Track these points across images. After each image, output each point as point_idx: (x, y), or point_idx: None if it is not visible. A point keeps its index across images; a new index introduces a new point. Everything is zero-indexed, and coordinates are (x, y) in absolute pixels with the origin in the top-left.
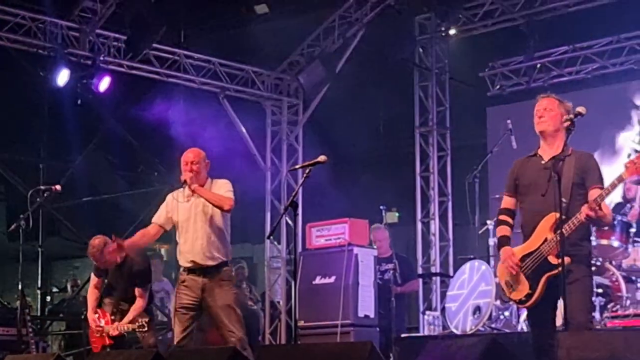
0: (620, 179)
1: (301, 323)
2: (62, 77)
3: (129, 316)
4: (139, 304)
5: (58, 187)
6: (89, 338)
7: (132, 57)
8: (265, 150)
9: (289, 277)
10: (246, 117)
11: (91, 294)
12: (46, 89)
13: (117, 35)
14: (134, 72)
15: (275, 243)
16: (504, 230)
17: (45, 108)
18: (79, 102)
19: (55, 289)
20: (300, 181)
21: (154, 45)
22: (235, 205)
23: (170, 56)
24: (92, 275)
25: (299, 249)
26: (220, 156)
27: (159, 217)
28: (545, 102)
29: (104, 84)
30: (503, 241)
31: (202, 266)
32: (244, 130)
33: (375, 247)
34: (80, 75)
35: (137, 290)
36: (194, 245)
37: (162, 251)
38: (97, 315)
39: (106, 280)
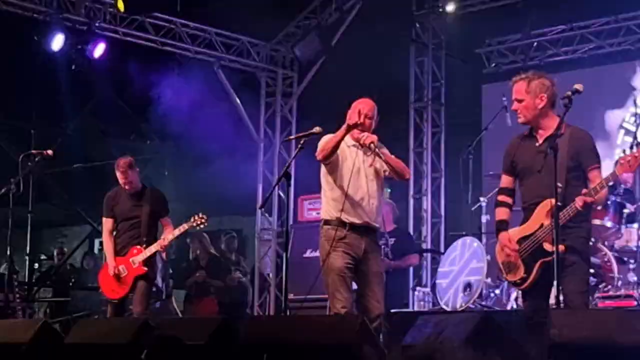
0: (614, 175)
1: (291, 296)
2: (57, 42)
3: (167, 236)
4: (168, 231)
5: (50, 152)
6: (104, 290)
7: (129, 24)
8: (259, 121)
9: (280, 250)
10: (241, 88)
11: (107, 240)
12: (40, 54)
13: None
14: (129, 39)
15: (267, 215)
16: (502, 213)
17: (38, 73)
18: (73, 67)
19: (43, 257)
20: (294, 152)
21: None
22: (229, 177)
23: (166, 24)
24: (104, 218)
25: (291, 221)
26: (214, 127)
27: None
28: (516, 91)
29: (99, 50)
30: (501, 226)
31: (372, 227)
32: (238, 101)
33: None
34: (75, 40)
35: (163, 221)
36: (369, 203)
37: None
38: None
39: (118, 228)
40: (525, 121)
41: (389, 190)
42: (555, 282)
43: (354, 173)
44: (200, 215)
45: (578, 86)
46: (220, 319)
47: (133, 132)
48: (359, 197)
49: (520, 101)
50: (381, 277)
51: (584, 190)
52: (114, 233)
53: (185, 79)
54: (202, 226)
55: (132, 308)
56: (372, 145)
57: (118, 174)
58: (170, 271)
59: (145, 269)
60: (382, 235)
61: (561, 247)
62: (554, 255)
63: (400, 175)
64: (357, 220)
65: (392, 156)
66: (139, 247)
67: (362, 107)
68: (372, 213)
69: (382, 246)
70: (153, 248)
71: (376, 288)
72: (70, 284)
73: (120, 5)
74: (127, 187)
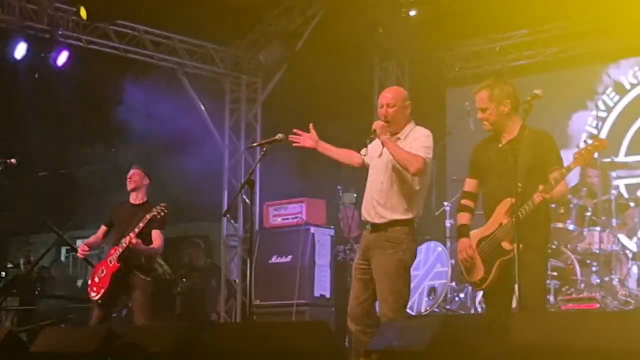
0: (568, 169)
1: (257, 302)
2: (20, 50)
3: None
4: (156, 244)
5: (14, 160)
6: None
7: (92, 31)
8: (224, 127)
9: (245, 256)
10: (205, 94)
11: (94, 236)
12: (3, 62)
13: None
14: (92, 46)
15: (232, 221)
16: (463, 217)
17: (1, 81)
18: (36, 75)
19: (9, 265)
20: (258, 159)
21: None
22: (195, 184)
23: (129, 31)
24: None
25: (256, 227)
26: (179, 133)
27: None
28: (479, 101)
29: (62, 58)
30: (462, 231)
31: (374, 223)
32: (202, 107)
33: (332, 227)
34: (38, 49)
35: (153, 233)
36: (372, 198)
37: None
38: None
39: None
40: (492, 129)
41: (354, 195)
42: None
43: (371, 167)
44: (160, 205)
45: (538, 91)
46: (186, 327)
47: (97, 139)
48: (368, 192)
49: (484, 110)
50: (383, 277)
51: (541, 187)
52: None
53: (149, 86)
54: (162, 214)
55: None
56: (374, 131)
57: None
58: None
59: (118, 264)
60: (348, 241)
61: (520, 245)
62: (512, 254)
63: (404, 168)
64: (364, 217)
65: (398, 147)
66: (116, 247)
67: (381, 100)
68: (373, 208)
69: (348, 251)
70: (125, 244)
71: (378, 289)
72: (37, 292)
73: (83, 13)
74: (132, 189)
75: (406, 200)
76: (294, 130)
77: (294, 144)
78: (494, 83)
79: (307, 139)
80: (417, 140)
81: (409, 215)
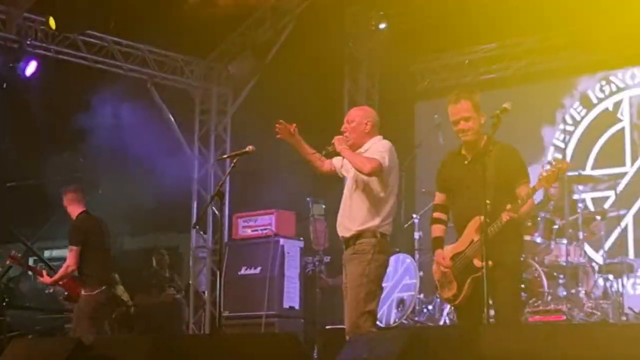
0: (533, 190)
1: (226, 313)
2: None
3: (56, 275)
4: (65, 264)
5: None
6: None
7: (60, 41)
8: (193, 139)
9: (215, 267)
10: (175, 106)
11: None
12: None
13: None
14: (61, 56)
15: (202, 233)
16: (437, 230)
17: None
18: (4, 85)
19: None
20: (228, 171)
21: None
22: (164, 195)
23: (98, 42)
24: None
25: (225, 239)
26: (148, 144)
27: None
28: (463, 110)
29: (31, 68)
30: (436, 243)
31: (343, 238)
32: (171, 118)
33: (302, 239)
34: (6, 58)
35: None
36: (342, 213)
37: None
38: None
39: None
40: (473, 139)
41: (324, 207)
42: (485, 297)
43: (345, 185)
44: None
45: (507, 105)
46: (156, 338)
47: (67, 149)
48: (340, 209)
49: (468, 119)
50: (351, 290)
51: (508, 206)
52: None
53: (118, 97)
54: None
55: None
56: (333, 143)
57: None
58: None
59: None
60: (317, 253)
61: (490, 263)
62: (483, 271)
63: (359, 171)
64: (338, 233)
65: (354, 153)
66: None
67: (346, 117)
68: (342, 223)
69: (317, 262)
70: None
71: (346, 302)
72: (4, 303)
73: (52, 23)
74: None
75: (370, 211)
76: (278, 121)
77: (277, 135)
78: (471, 91)
79: (287, 130)
80: (372, 148)
81: (373, 224)
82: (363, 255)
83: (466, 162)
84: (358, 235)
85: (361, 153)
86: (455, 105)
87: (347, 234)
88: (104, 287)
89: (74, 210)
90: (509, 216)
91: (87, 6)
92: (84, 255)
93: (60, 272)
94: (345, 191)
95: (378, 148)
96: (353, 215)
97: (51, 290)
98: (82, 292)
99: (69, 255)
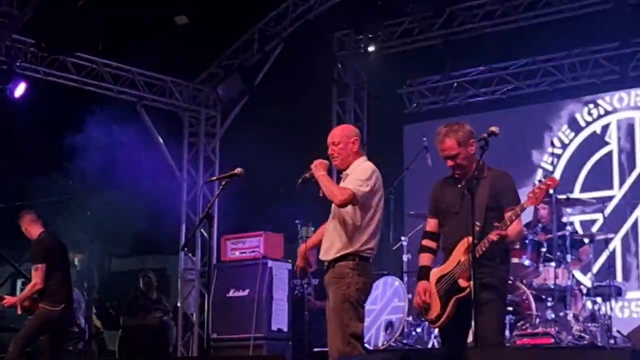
0: (522, 208)
1: (214, 335)
2: None
3: (22, 294)
4: (31, 283)
5: None
6: None
7: (50, 63)
8: (182, 161)
9: (203, 289)
10: (164, 128)
11: None
12: None
13: (34, 41)
14: (50, 78)
15: (190, 255)
16: (425, 259)
17: None
18: None
19: None
20: (216, 193)
21: None
22: (153, 217)
23: (88, 64)
24: None
25: (214, 261)
26: (137, 166)
27: None
28: (448, 149)
29: (20, 89)
30: (422, 272)
31: (324, 261)
32: (161, 140)
33: (290, 261)
34: None
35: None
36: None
37: (75, 260)
38: None
39: None
40: (466, 172)
41: (312, 229)
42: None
43: None
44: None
45: (494, 128)
46: None
47: (55, 171)
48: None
49: (455, 157)
50: (334, 315)
51: (496, 224)
52: None
53: (108, 119)
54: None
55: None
56: (310, 169)
57: None
58: (95, 311)
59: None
60: (306, 276)
61: (472, 283)
62: (468, 291)
63: (331, 201)
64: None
65: (329, 182)
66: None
67: (328, 139)
68: (323, 247)
69: (305, 285)
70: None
71: (329, 326)
72: None
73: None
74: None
75: (349, 235)
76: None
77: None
78: (456, 127)
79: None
80: (353, 174)
81: (351, 249)
82: (342, 279)
83: (459, 185)
84: (337, 259)
85: (347, 175)
86: (441, 145)
87: (328, 258)
88: (63, 305)
89: (35, 230)
90: (498, 233)
91: (76, 28)
92: (47, 272)
93: (26, 291)
94: (330, 215)
95: (358, 175)
96: (334, 239)
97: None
98: (40, 305)
99: (35, 274)
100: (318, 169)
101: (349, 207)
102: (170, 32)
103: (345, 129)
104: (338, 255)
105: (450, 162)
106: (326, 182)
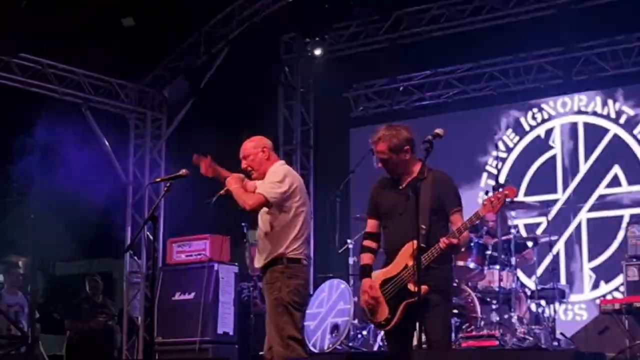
0: (477, 216)
1: (159, 339)
2: None
3: None
4: None
5: None
6: None
7: None
8: (128, 163)
9: (149, 293)
10: (109, 130)
11: None
12: None
13: None
14: None
15: (135, 258)
16: (366, 258)
17: None
18: None
19: None
20: (161, 194)
21: None
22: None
23: (32, 65)
24: None
25: (159, 264)
26: (82, 168)
27: None
28: (379, 153)
29: None
30: (364, 271)
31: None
32: (106, 142)
33: (237, 264)
34: None
35: None
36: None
37: (19, 264)
38: None
39: None
40: (395, 175)
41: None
42: (419, 322)
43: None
44: None
45: (439, 130)
46: None
47: None
48: None
49: (386, 161)
50: (269, 318)
51: (450, 233)
52: None
53: (52, 120)
54: None
55: None
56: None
57: None
58: (38, 315)
59: None
60: (251, 278)
61: (424, 288)
62: (419, 297)
63: (242, 207)
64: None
65: (239, 190)
66: None
67: (240, 154)
68: (255, 255)
69: (252, 289)
70: None
71: (267, 330)
72: None
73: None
74: None
75: (274, 240)
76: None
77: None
78: (390, 132)
79: (205, 163)
80: (266, 178)
81: (277, 253)
82: (273, 284)
83: (400, 187)
84: (267, 265)
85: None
86: (374, 146)
87: (259, 265)
88: None
89: None
90: (449, 241)
91: (21, 29)
92: None
93: None
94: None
95: (269, 178)
96: (263, 246)
97: None
98: None
99: None
100: (231, 183)
101: (271, 212)
102: (117, 34)
103: (253, 140)
104: (267, 261)
105: (380, 165)
106: (236, 191)
